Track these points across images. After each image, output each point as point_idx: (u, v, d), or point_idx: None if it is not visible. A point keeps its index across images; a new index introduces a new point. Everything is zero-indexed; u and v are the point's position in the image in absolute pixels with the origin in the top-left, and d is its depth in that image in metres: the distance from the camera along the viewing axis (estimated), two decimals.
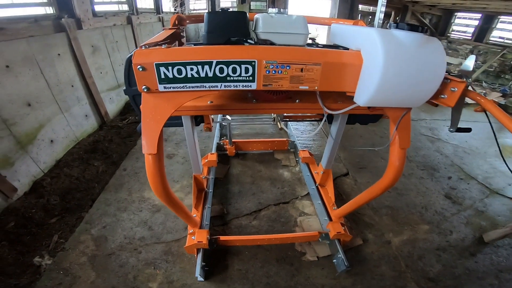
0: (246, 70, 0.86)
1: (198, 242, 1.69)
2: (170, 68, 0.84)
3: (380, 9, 1.19)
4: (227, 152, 2.93)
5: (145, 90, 0.90)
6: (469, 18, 7.30)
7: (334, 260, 1.86)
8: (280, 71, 0.87)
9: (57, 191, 2.41)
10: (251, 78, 0.88)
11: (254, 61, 0.84)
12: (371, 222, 2.29)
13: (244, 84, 0.89)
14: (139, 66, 0.84)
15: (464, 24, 7.52)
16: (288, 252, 1.97)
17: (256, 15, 1.16)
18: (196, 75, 0.86)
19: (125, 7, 4.32)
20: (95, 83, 3.37)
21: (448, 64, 7.73)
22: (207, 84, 0.89)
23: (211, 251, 1.83)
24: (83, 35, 3.15)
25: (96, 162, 2.85)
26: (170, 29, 1.36)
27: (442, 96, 0.93)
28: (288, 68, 0.87)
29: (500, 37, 6.75)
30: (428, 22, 7.91)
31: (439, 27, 8.05)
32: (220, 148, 2.95)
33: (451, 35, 7.91)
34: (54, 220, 2.13)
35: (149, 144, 0.99)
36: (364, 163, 3.08)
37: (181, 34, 1.47)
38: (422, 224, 2.31)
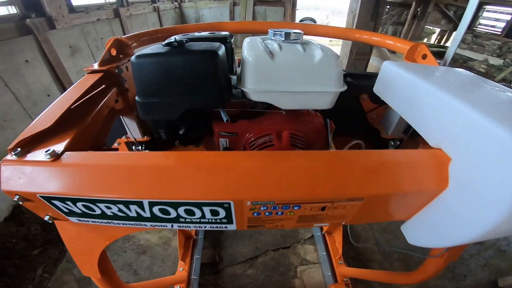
0: (214, 213, 0.47)
1: None
2: (69, 202, 0.46)
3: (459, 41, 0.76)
4: None
5: (50, 221, 0.53)
6: (500, 12, 6.54)
7: None
8: (280, 212, 0.48)
9: (37, 218, 2.22)
10: (225, 220, 0.49)
11: (228, 203, 0.44)
12: (381, 268, 1.98)
13: (214, 226, 0.50)
14: (16, 196, 0.45)
15: (494, 18, 6.75)
16: None
17: (245, 47, 0.64)
18: (121, 214, 0.47)
19: None
20: None
21: (471, 59, 7.07)
22: (147, 224, 0.50)
23: None
24: (57, 36, 2.72)
25: None
26: (95, 71, 0.73)
27: None
28: (297, 208, 0.47)
29: None
30: (453, 15, 7.16)
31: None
32: None
33: (478, 28, 7.17)
34: (37, 252, 2.01)
35: (86, 267, 0.64)
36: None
37: (120, 78, 0.78)
38: None
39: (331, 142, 0.70)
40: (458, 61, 7.24)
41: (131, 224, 0.52)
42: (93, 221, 0.52)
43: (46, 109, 0.56)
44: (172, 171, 0.44)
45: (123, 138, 0.92)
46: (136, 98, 0.58)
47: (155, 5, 5.18)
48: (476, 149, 0.43)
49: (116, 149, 0.75)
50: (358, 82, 0.99)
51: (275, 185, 0.44)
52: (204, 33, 0.76)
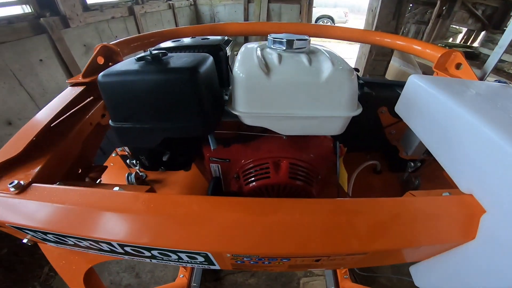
0: (192, 258, 0.39)
1: None
2: (39, 233, 0.41)
3: None
4: None
5: (29, 244, 0.49)
6: None
7: None
8: (267, 262, 0.40)
9: None
10: (205, 263, 0.42)
11: (205, 253, 0.37)
12: (388, 284, 1.87)
13: (198, 265, 0.43)
14: None
15: None
16: None
17: (238, 59, 0.53)
18: (95, 247, 0.41)
19: None
20: None
21: (501, 61, 6.59)
22: (125, 256, 0.44)
23: None
24: (71, 34, 2.74)
25: None
26: (78, 84, 0.65)
27: None
28: (285, 260, 0.39)
29: None
30: (481, 14, 6.69)
31: (493, 19, 6.81)
32: None
33: None
34: None
35: (73, 284, 0.60)
36: None
37: None
38: None
39: (339, 170, 0.59)
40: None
41: (110, 254, 0.46)
42: (71, 248, 0.47)
43: (20, 130, 0.51)
44: (141, 216, 0.38)
45: (119, 151, 0.86)
46: (110, 121, 0.49)
47: (170, 2, 5.17)
48: None
49: (105, 168, 0.68)
50: (377, 93, 0.87)
51: (258, 241, 0.36)
52: (196, 39, 0.67)
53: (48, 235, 0.42)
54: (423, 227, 0.39)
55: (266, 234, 0.36)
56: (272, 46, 0.54)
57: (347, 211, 0.39)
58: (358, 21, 12.28)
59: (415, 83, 0.55)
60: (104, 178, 0.72)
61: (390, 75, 3.66)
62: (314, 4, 7.33)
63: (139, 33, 4.08)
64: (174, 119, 0.47)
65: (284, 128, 0.50)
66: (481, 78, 0.75)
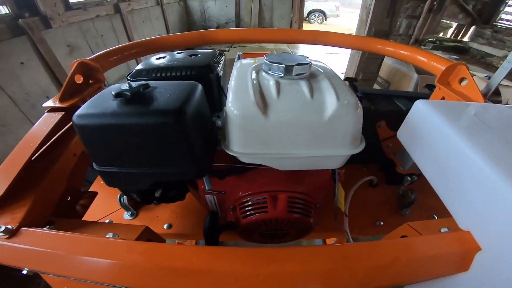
0: None
1: None
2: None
3: None
4: None
5: (30, 274, 0.47)
6: None
7: None
8: None
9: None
10: None
11: None
12: None
13: None
14: None
15: None
16: None
17: (231, 89, 0.48)
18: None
19: None
20: None
21: (490, 55, 6.67)
22: None
23: None
24: (54, 35, 2.61)
25: None
26: (56, 109, 0.60)
27: None
28: None
29: None
30: (471, 9, 6.75)
31: (483, 14, 6.88)
32: None
33: (498, 23, 6.76)
34: None
35: None
36: None
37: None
38: None
39: (337, 195, 0.56)
40: (476, 57, 6.87)
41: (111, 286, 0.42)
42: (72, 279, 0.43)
43: (0, 166, 0.47)
44: (138, 267, 0.36)
45: None
46: (93, 164, 0.44)
47: None
48: None
49: (95, 194, 0.63)
50: (376, 106, 0.84)
51: None
52: (184, 57, 0.61)
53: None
54: (421, 266, 0.40)
55: (265, 285, 0.35)
56: (269, 72, 0.49)
57: (347, 258, 0.38)
58: (350, 15, 12.22)
59: (421, 110, 0.52)
60: (96, 198, 0.67)
61: (383, 73, 3.65)
62: None
63: (126, 31, 3.94)
64: (163, 165, 0.43)
65: (283, 165, 0.46)
66: (486, 94, 0.72)
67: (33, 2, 2.31)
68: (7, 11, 2.19)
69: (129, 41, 3.98)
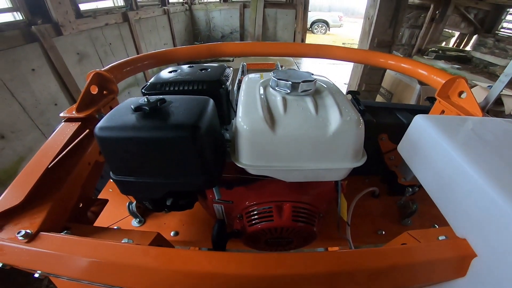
0: None
1: None
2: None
3: None
4: None
5: (42, 277, 0.50)
6: None
7: None
8: None
9: None
10: None
11: None
12: None
13: None
14: None
15: None
16: None
17: (240, 104, 0.51)
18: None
19: (121, 2, 3.78)
20: None
21: (493, 65, 6.70)
22: None
23: None
24: (64, 42, 2.69)
25: None
26: (72, 119, 0.62)
27: None
28: None
29: None
30: (473, 18, 6.81)
31: (485, 23, 6.93)
32: None
33: (500, 32, 6.80)
34: None
35: None
36: None
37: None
38: None
39: (340, 205, 0.58)
40: (479, 66, 6.90)
41: None
42: (84, 283, 0.46)
43: (19, 175, 0.49)
44: (152, 271, 0.38)
45: None
46: (110, 173, 0.48)
47: (165, 7, 5.13)
48: None
49: (105, 201, 0.66)
50: (378, 119, 0.86)
51: None
52: (195, 71, 0.64)
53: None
54: (420, 272, 0.43)
55: None
56: (276, 88, 0.53)
57: (347, 263, 0.40)
58: (353, 25, 12.38)
59: (421, 125, 0.54)
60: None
61: (386, 84, 3.68)
62: (309, 9, 7.36)
63: (133, 40, 4.03)
64: (177, 175, 0.46)
65: (289, 177, 0.50)
66: (484, 107, 0.74)
67: (46, 9, 2.39)
68: (21, 18, 2.26)
69: (136, 49, 4.07)
